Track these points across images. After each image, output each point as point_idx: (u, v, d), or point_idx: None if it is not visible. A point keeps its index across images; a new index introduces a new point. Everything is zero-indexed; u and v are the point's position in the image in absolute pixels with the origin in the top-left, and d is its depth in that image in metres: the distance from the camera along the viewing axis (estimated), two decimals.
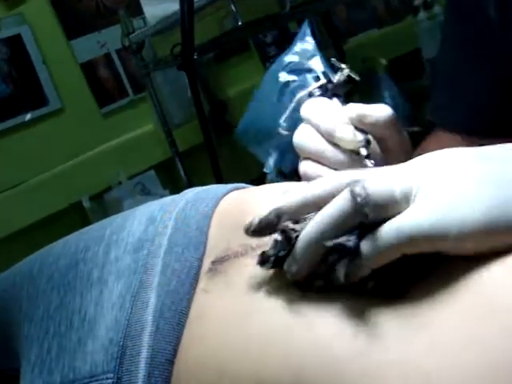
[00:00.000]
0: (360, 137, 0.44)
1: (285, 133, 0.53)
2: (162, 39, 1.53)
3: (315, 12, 1.88)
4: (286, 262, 0.35)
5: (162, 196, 1.79)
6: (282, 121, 0.53)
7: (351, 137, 0.44)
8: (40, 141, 1.74)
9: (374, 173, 0.35)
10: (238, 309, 0.38)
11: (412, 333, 0.30)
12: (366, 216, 0.31)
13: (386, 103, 1.48)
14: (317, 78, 0.51)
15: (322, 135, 0.46)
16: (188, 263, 0.44)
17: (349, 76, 0.50)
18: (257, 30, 1.55)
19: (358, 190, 0.31)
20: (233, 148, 1.96)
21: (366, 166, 0.43)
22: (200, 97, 1.44)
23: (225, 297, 0.39)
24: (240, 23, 1.33)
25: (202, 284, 0.42)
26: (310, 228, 0.33)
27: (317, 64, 0.53)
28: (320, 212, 0.33)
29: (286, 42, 2.15)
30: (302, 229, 0.34)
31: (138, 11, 1.71)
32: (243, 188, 0.53)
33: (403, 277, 0.33)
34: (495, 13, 0.75)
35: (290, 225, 0.35)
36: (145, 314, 0.41)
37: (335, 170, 0.46)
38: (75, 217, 1.73)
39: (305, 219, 0.35)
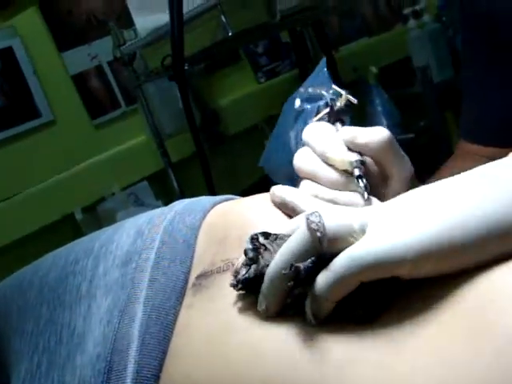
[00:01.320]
0: (353, 157, 0.44)
1: None
2: (153, 50, 1.54)
3: (306, 21, 1.89)
4: (258, 301, 0.36)
5: (155, 207, 1.79)
6: (294, 148, 0.54)
7: (342, 157, 0.44)
8: (32, 153, 1.73)
9: (340, 208, 0.35)
10: (219, 325, 0.38)
11: (391, 358, 0.30)
12: (322, 246, 0.32)
13: (377, 111, 1.51)
14: (326, 105, 0.52)
15: (318, 156, 0.46)
16: (174, 277, 0.44)
17: (349, 100, 0.50)
18: (247, 40, 1.55)
19: (313, 219, 0.32)
20: (225, 158, 1.96)
21: (359, 186, 0.43)
22: (191, 107, 1.44)
23: (208, 313, 0.40)
24: (230, 34, 1.33)
25: (187, 299, 0.43)
26: (273, 262, 0.34)
27: (326, 92, 0.54)
28: (283, 245, 0.34)
29: (277, 51, 2.17)
30: (271, 247, 0.35)
31: (128, 23, 1.72)
32: (231, 199, 0.53)
33: (377, 301, 0.33)
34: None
35: (261, 239, 0.36)
36: (131, 329, 0.41)
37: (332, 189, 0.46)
38: (68, 229, 1.73)
39: (275, 237, 0.35)
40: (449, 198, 0.32)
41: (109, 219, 1.69)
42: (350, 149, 0.45)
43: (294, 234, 0.33)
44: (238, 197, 0.56)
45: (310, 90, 0.56)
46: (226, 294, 0.39)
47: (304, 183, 0.47)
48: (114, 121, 1.87)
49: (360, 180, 0.43)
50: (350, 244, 0.32)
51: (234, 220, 0.46)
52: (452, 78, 2.05)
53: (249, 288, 0.36)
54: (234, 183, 1.96)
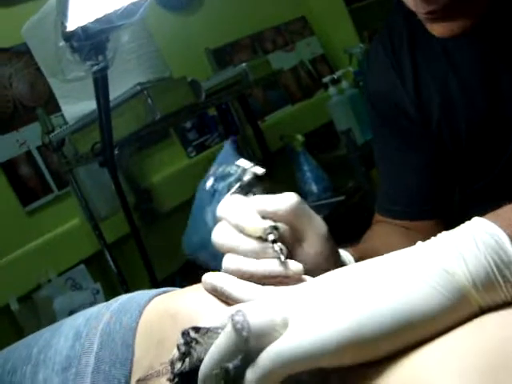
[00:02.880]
0: (265, 224, 0.47)
1: None
2: (83, 136, 1.56)
3: (230, 97, 1.96)
4: None
5: (93, 289, 1.77)
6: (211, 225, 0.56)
7: (255, 225, 0.47)
8: None
9: (260, 301, 0.38)
10: None
11: None
12: (249, 345, 0.34)
13: (306, 177, 1.57)
14: (237, 181, 0.55)
15: (234, 228, 0.49)
16: (116, 381, 0.45)
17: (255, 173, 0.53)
18: (175, 121, 1.60)
19: (238, 319, 0.34)
20: (161, 234, 1.97)
21: (275, 251, 0.46)
22: (123, 190, 1.46)
23: None
24: (158, 117, 1.37)
25: None
26: (204, 364, 0.36)
27: (234, 169, 0.57)
28: (212, 346, 0.36)
29: (204, 125, 2.23)
30: (202, 340, 0.37)
31: (56, 108, 1.74)
32: (166, 292, 0.55)
33: None
34: (415, 111, 0.84)
35: (192, 333, 0.38)
36: None
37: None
38: (3, 321, 1.67)
39: (206, 330, 0.38)
40: (362, 289, 0.36)
41: (46, 307, 1.65)
42: (263, 217, 0.48)
43: (222, 334, 0.36)
44: (174, 288, 0.57)
45: (219, 169, 0.59)
46: None
47: (226, 257, 0.50)
48: (46, 206, 1.85)
49: (274, 244, 0.46)
50: (275, 339, 0.34)
51: (169, 319, 0.48)
52: None
53: (185, 381, 0.38)
54: (172, 259, 1.96)
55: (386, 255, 0.39)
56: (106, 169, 1.46)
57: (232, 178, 0.56)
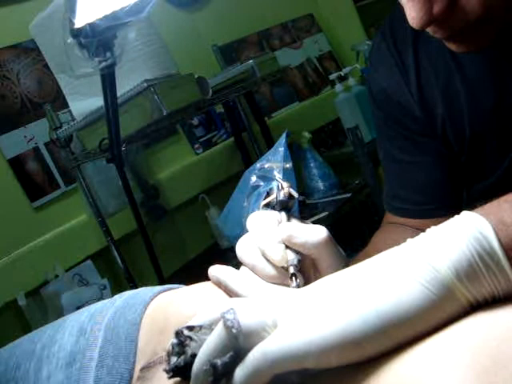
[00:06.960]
0: (290, 256, 0.47)
1: None
2: (90, 132, 1.56)
3: (237, 93, 1.96)
4: None
5: (100, 285, 1.78)
6: (245, 221, 0.56)
7: (279, 257, 0.47)
8: None
9: (253, 301, 0.39)
10: None
11: None
12: (238, 342, 0.35)
13: (313, 174, 1.56)
14: (277, 188, 0.55)
15: (258, 249, 0.49)
16: (119, 375, 0.45)
17: (290, 193, 0.53)
18: (182, 117, 1.60)
19: (229, 317, 0.35)
20: (168, 231, 1.97)
21: (292, 287, 0.46)
22: (130, 186, 1.46)
23: None
24: (165, 113, 1.38)
25: None
26: (196, 359, 0.37)
27: (278, 176, 0.57)
28: (205, 342, 0.37)
29: (211, 122, 2.23)
30: (196, 337, 0.38)
31: (63, 105, 1.74)
32: (171, 289, 0.55)
33: None
34: (419, 111, 0.83)
35: (186, 332, 0.39)
36: None
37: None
38: (11, 316, 1.68)
39: (200, 328, 0.39)
40: (349, 290, 0.36)
41: (53, 302, 1.66)
42: (288, 246, 0.48)
43: (213, 331, 0.36)
44: (179, 285, 0.57)
45: (266, 165, 0.59)
46: (168, 383, 0.41)
47: (242, 270, 0.50)
48: (53, 202, 1.86)
49: (294, 278, 0.46)
50: (264, 338, 0.35)
51: (172, 311, 0.48)
52: None
53: (181, 374, 0.39)
54: (179, 255, 1.97)
55: (376, 256, 0.39)
56: (113, 165, 1.46)
57: (273, 184, 0.56)
